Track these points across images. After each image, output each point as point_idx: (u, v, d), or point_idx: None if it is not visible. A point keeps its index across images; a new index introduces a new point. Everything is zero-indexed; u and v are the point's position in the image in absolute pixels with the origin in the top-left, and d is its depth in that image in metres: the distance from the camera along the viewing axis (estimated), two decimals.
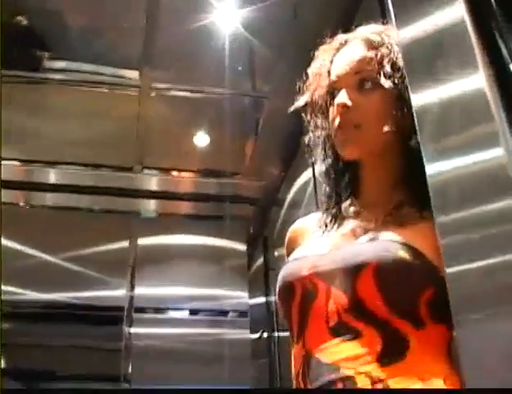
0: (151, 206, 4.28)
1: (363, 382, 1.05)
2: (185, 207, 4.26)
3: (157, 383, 3.61)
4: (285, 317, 1.25)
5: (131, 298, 3.93)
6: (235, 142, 3.88)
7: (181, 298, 3.92)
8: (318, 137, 1.37)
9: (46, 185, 4.11)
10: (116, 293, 3.97)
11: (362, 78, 1.26)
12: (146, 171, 4.07)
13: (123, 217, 4.17)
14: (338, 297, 1.13)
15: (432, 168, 0.95)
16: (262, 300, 4.02)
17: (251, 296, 4.01)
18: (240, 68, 3.43)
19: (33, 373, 3.85)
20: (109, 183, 4.08)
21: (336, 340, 1.11)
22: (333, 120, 1.28)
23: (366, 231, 1.21)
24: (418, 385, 1.04)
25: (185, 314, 3.90)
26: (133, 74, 3.52)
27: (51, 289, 3.93)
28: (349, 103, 1.24)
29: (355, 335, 1.10)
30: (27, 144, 3.92)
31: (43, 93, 3.64)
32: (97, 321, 3.93)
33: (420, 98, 1.00)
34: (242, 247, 4.10)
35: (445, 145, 0.94)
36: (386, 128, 1.22)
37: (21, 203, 4.25)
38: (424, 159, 0.96)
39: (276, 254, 3.85)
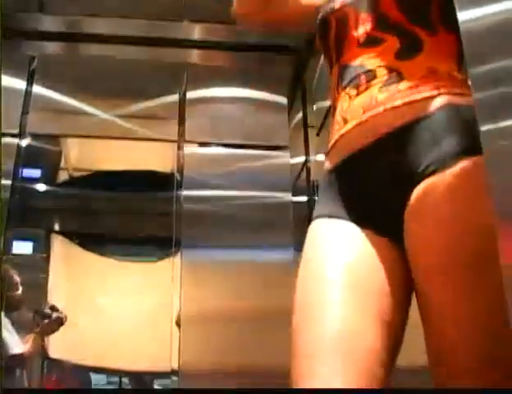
0: (195, 57, 4.21)
1: (381, 73, 1.26)
2: (227, 57, 4.17)
3: (206, 246, 3.66)
4: (325, 50, 1.44)
5: (181, 156, 3.92)
6: None
7: (227, 154, 3.90)
8: None
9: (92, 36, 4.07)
10: (166, 152, 3.97)
11: None
12: (190, 22, 4.00)
13: (169, 68, 4.10)
14: (365, 18, 1.33)
15: (464, 15, 0.89)
16: (302, 159, 3.94)
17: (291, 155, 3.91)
18: None
19: (87, 236, 3.98)
20: (155, 33, 4.02)
21: (364, 49, 1.31)
22: None
23: None
24: (427, 73, 1.23)
25: (230, 175, 3.86)
26: None
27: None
28: None
29: (379, 42, 1.29)
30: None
31: None
32: (147, 185, 3.98)
33: None
34: (283, 100, 3.95)
35: None
36: None
37: (66, 54, 4.22)
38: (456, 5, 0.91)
39: (314, 108, 3.78)
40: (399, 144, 1.18)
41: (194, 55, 4.20)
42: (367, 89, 1.26)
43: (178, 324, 3.48)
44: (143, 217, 4.00)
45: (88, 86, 3.98)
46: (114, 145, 4.01)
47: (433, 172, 1.12)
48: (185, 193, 3.76)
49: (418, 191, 1.13)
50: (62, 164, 4.10)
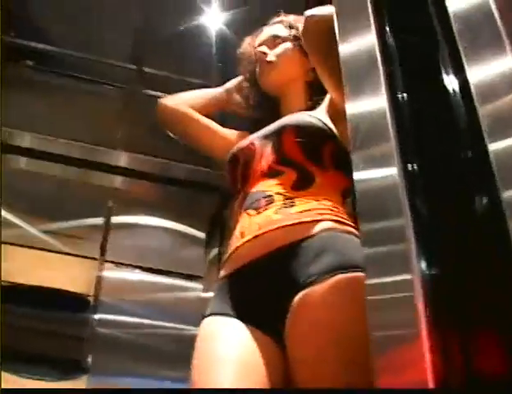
0: (123, 184, 4.26)
1: (278, 199, 1.50)
2: (153, 189, 4.25)
3: (113, 373, 3.60)
4: (232, 181, 1.70)
5: (99, 280, 3.90)
6: None
7: (144, 281, 3.90)
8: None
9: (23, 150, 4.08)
10: (84, 274, 3.95)
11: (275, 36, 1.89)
12: (121, 150, 4.10)
13: (92, 192, 4.13)
14: (268, 155, 1.60)
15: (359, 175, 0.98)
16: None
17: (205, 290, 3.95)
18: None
19: None
20: (84, 156, 4.08)
21: (266, 179, 1.56)
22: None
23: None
24: (315, 203, 1.48)
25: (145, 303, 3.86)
26: None
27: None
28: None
29: (279, 174, 1.56)
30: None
31: None
32: (61, 304, 3.92)
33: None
34: (201, 235, 4.09)
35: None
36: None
37: None
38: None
39: None
40: (287, 258, 1.38)
41: (122, 182, 4.26)
42: (265, 210, 1.48)
43: None
44: (52, 336, 3.91)
45: (11, 198, 3.97)
46: (33, 260, 3.97)
47: (312, 283, 1.31)
48: (98, 316, 3.72)
49: (298, 298, 1.31)
50: None
